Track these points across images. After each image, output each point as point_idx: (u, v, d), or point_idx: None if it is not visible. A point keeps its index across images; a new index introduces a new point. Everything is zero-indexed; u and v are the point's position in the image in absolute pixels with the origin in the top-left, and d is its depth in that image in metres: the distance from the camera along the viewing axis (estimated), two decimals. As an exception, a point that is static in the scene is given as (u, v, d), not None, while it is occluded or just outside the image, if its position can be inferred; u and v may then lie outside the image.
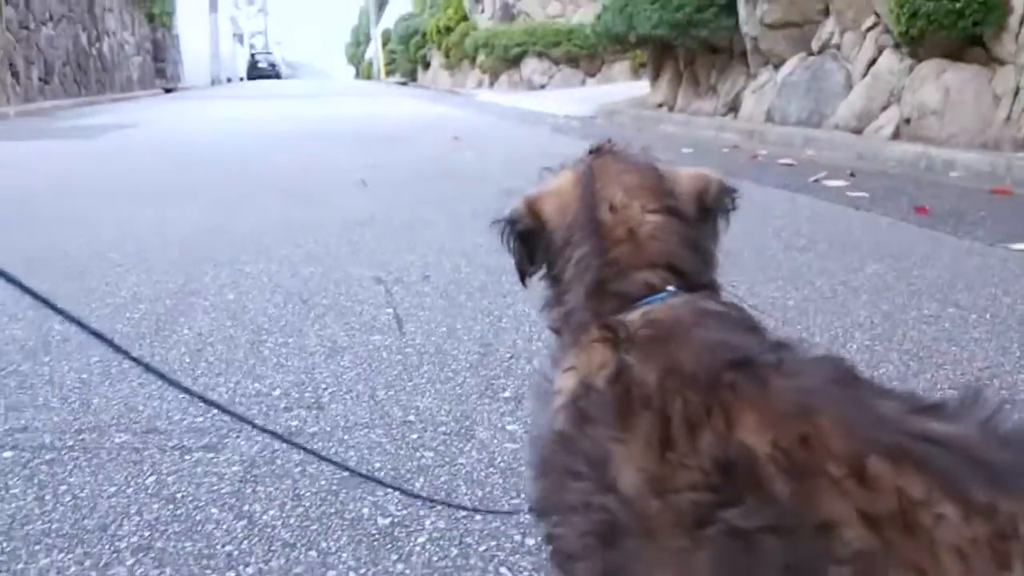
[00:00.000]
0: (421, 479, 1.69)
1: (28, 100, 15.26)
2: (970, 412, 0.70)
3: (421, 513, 1.55)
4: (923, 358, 2.31)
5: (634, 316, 0.91)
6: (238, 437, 1.86)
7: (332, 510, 1.56)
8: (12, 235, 4.11)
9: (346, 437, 1.87)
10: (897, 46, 7.20)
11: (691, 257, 0.98)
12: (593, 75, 20.58)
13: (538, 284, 1.08)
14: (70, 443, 1.84)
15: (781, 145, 7.90)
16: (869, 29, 7.72)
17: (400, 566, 1.39)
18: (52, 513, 1.56)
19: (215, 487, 1.65)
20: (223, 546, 1.45)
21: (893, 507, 0.65)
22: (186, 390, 1.20)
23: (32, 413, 2.00)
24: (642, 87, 13.86)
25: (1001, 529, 0.63)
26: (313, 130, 10.18)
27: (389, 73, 38.39)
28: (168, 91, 25.47)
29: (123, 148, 8.47)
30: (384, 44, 39.55)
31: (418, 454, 1.79)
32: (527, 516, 1.43)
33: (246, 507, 1.58)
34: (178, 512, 1.56)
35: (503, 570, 1.39)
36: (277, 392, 2.13)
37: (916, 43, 6.76)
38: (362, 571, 1.38)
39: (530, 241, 1.05)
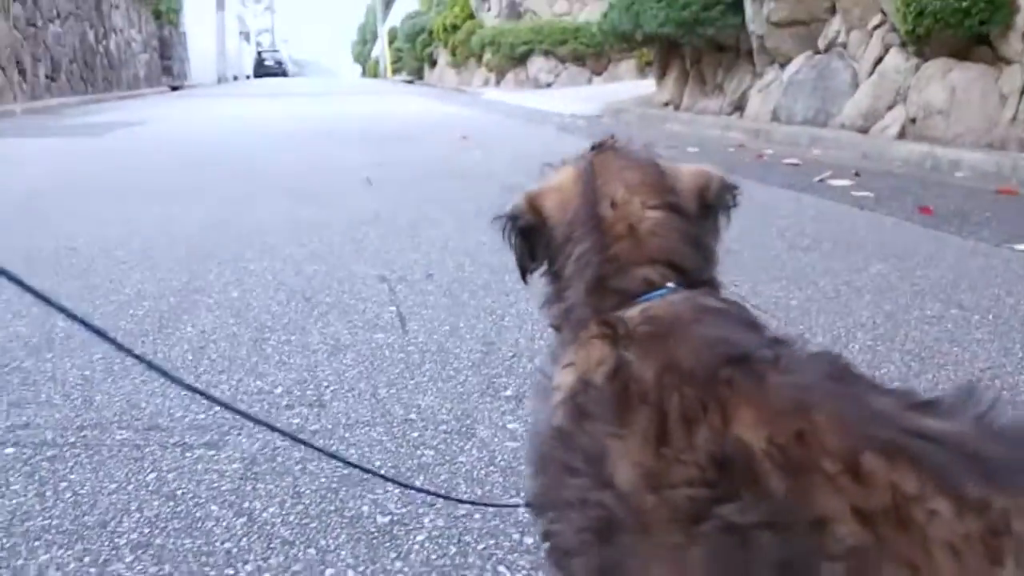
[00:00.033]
0: (421, 477, 1.69)
1: (35, 97, 15.28)
2: (965, 408, 0.70)
3: (420, 511, 1.54)
4: (925, 358, 2.31)
5: (633, 312, 0.90)
6: (239, 434, 1.86)
7: (332, 508, 1.56)
8: (18, 232, 4.12)
9: (347, 435, 1.87)
10: (903, 45, 7.18)
11: (692, 254, 0.98)
12: (599, 73, 20.58)
13: (539, 281, 1.07)
14: (71, 440, 1.84)
15: (787, 144, 7.88)
16: (876, 27, 7.70)
17: (399, 564, 1.39)
18: (52, 509, 1.56)
19: (215, 484, 1.65)
20: (222, 543, 1.45)
21: (887, 503, 0.65)
22: (188, 386, 1.19)
23: (34, 410, 2.00)
24: (648, 86, 13.86)
25: (994, 525, 0.62)
26: (319, 129, 10.19)
27: (395, 71, 38.38)
28: (174, 89, 25.48)
29: (130, 146, 8.49)
30: (391, 42, 39.58)
31: (419, 452, 1.79)
32: (525, 513, 1.43)
33: (246, 504, 1.58)
34: (178, 509, 1.56)
35: (501, 568, 1.38)
36: (279, 390, 2.13)
37: (922, 42, 6.74)
38: (360, 569, 1.38)
39: (531, 237, 1.05)
